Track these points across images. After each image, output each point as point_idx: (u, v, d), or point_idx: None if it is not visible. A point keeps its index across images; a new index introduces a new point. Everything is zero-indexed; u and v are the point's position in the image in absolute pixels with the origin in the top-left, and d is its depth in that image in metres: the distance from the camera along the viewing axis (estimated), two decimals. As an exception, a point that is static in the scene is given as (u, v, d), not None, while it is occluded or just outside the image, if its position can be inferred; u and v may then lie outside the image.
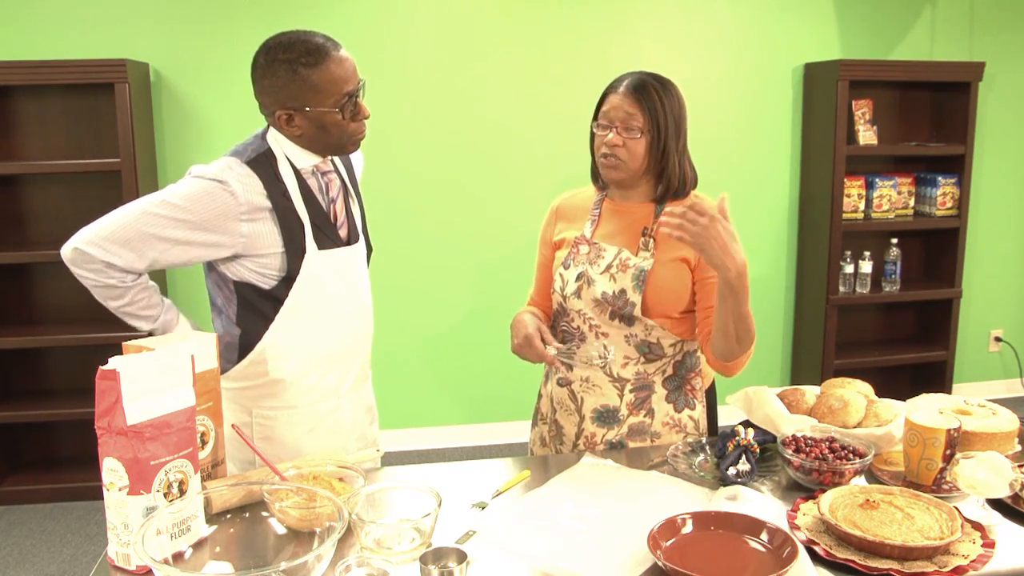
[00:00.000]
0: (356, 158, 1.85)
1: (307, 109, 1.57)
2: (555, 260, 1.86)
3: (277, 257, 1.61)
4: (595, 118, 1.76)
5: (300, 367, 1.68)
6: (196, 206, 1.55)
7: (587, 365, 1.77)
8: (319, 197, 1.68)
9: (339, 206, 1.71)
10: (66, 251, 1.58)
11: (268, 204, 1.59)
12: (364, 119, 1.64)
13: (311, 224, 1.64)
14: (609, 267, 1.75)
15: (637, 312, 1.71)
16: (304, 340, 1.67)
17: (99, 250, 1.55)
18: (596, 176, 1.84)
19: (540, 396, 1.96)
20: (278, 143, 1.64)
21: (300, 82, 1.55)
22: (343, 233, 1.72)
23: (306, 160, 1.65)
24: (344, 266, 1.71)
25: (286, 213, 1.61)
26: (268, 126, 1.67)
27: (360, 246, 1.77)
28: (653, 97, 1.68)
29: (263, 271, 1.62)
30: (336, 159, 1.75)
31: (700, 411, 1.83)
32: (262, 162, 1.61)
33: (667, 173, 1.73)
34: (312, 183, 1.67)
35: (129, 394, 1.23)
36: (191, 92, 3.49)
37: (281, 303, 1.63)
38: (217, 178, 1.57)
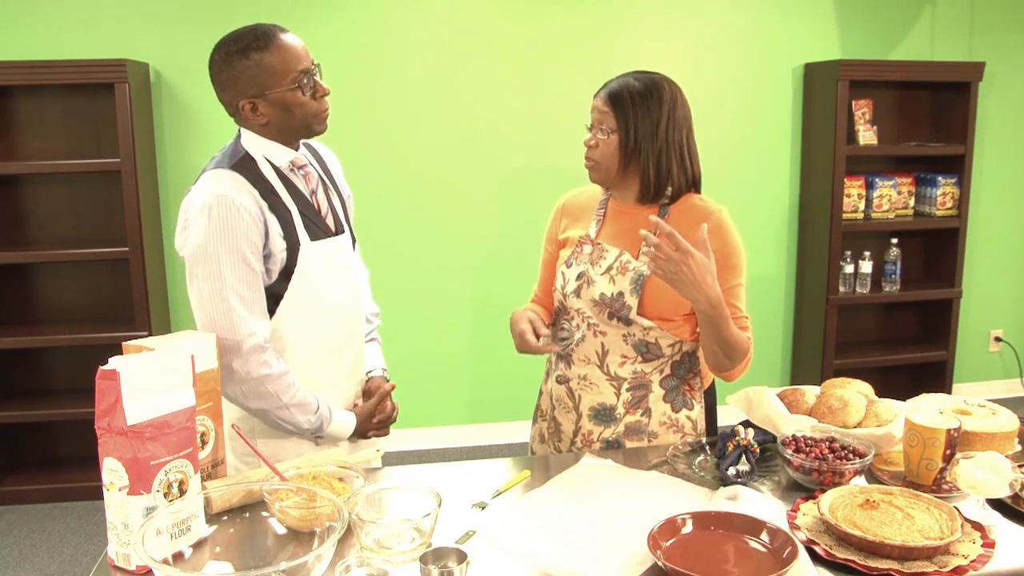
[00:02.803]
0: (329, 157, 1.87)
1: (267, 93, 1.60)
2: (559, 258, 1.87)
3: (283, 251, 1.63)
4: None
5: (300, 357, 1.70)
6: (226, 235, 1.56)
7: (565, 344, 1.81)
8: (302, 190, 1.70)
9: (320, 197, 1.74)
10: (230, 391, 1.61)
11: (264, 202, 1.61)
12: (324, 96, 1.66)
13: (301, 216, 1.67)
14: (609, 268, 1.75)
15: (633, 315, 1.72)
16: (303, 331, 1.69)
17: (240, 336, 1.57)
18: None
19: (541, 393, 1.96)
20: (252, 144, 1.66)
21: (255, 67, 1.58)
22: (330, 223, 1.74)
23: (282, 156, 1.67)
24: (335, 256, 1.74)
25: (278, 207, 1.63)
26: (238, 134, 1.69)
27: (346, 236, 1.80)
28: (625, 100, 1.70)
29: (271, 267, 1.63)
30: (309, 155, 1.77)
31: (698, 412, 1.83)
32: (243, 165, 1.63)
33: (642, 173, 1.74)
34: (292, 178, 1.70)
35: (129, 394, 1.23)
36: (191, 92, 3.49)
37: (280, 298, 1.65)
38: (211, 200, 1.56)
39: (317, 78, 1.64)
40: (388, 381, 1.90)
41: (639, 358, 1.76)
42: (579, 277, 1.78)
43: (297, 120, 1.64)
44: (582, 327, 1.78)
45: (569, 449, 1.85)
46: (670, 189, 1.75)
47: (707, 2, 3.83)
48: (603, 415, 1.80)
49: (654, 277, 1.71)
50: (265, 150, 1.66)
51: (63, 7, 3.35)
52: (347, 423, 1.75)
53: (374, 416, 1.81)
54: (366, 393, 1.88)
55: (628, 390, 1.78)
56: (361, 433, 1.80)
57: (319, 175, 1.76)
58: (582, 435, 1.82)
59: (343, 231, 1.78)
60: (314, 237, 1.68)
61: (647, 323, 1.72)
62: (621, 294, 1.73)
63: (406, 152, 3.70)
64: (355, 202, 1.92)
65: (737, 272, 1.75)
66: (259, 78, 1.59)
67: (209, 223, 1.56)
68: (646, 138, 1.71)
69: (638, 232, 1.76)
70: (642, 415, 1.79)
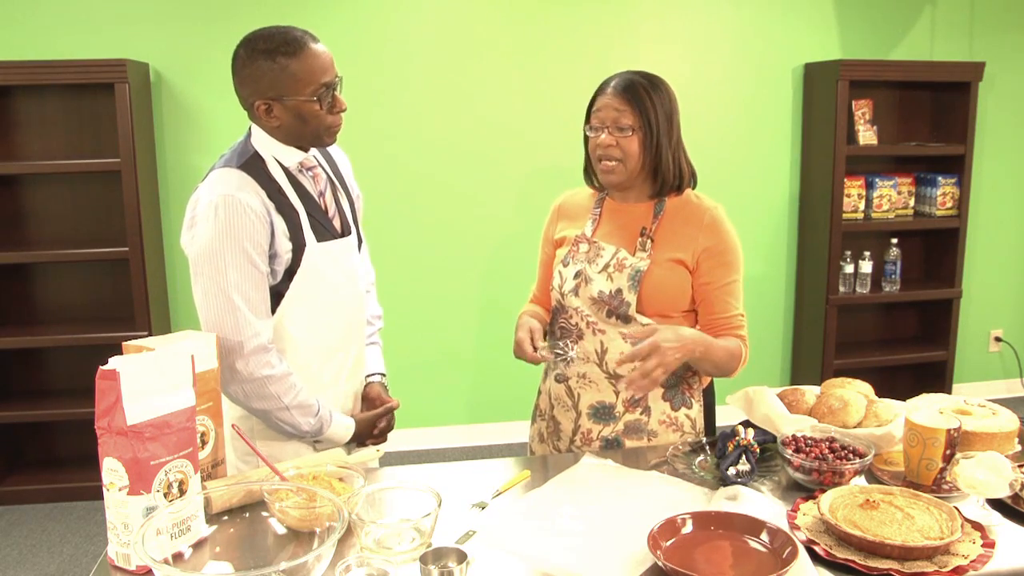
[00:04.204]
0: (341, 158, 1.87)
1: (285, 99, 1.59)
2: (556, 258, 1.87)
3: (289, 252, 1.63)
4: (587, 121, 1.77)
5: (301, 356, 1.70)
6: (232, 234, 1.56)
7: (559, 359, 1.81)
8: (310, 191, 1.70)
9: (328, 199, 1.74)
10: (232, 391, 1.61)
11: (271, 203, 1.61)
12: (341, 111, 1.66)
13: (308, 217, 1.67)
14: (607, 266, 1.75)
15: (632, 312, 1.72)
16: (305, 329, 1.69)
17: (244, 336, 1.57)
18: (588, 176, 1.85)
19: (539, 392, 1.96)
20: (262, 144, 1.66)
21: (280, 71, 1.57)
22: (336, 224, 1.74)
23: (291, 157, 1.67)
24: (341, 258, 1.74)
25: (285, 208, 1.63)
26: (249, 131, 1.69)
27: (353, 238, 1.79)
28: (641, 94, 1.70)
29: (276, 267, 1.64)
30: (319, 156, 1.77)
31: (697, 410, 1.83)
32: (252, 164, 1.63)
33: (661, 169, 1.74)
34: (301, 179, 1.70)
35: (129, 394, 1.23)
36: (191, 92, 3.49)
37: (282, 297, 1.65)
38: (218, 199, 1.57)
39: (337, 93, 1.64)
40: (387, 388, 1.90)
41: (638, 356, 1.76)
42: (576, 276, 1.79)
43: (309, 130, 1.64)
44: (575, 348, 1.79)
45: (568, 448, 1.85)
46: (680, 183, 1.77)
47: (707, 2, 3.83)
48: (602, 413, 1.80)
49: (652, 273, 1.72)
50: (275, 150, 1.66)
51: (63, 7, 3.35)
52: (347, 427, 1.75)
53: (374, 426, 1.81)
54: (365, 399, 1.88)
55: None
56: (359, 440, 1.80)
57: (328, 176, 1.76)
58: (581, 434, 1.82)
59: (350, 232, 1.78)
60: (320, 238, 1.68)
61: (646, 320, 1.72)
62: (619, 291, 1.73)
63: (408, 153, 3.70)
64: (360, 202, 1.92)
65: (732, 269, 1.75)
66: (280, 82, 1.58)
67: (216, 222, 1.56)
68: (664, 133, 1.71)
69: (634, 230, 1.77)
70: (641, 413, 1.79)
